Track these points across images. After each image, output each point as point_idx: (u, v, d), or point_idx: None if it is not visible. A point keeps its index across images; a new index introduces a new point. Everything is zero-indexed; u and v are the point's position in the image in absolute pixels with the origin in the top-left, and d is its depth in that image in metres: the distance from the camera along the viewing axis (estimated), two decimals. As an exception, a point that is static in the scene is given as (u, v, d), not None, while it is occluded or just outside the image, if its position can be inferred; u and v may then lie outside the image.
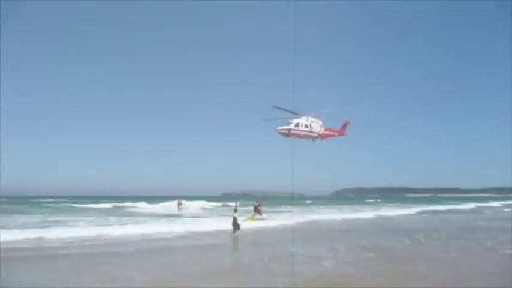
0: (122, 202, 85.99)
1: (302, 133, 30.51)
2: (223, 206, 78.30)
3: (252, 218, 36.74)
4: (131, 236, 25.20)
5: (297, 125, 30.65)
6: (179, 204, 63.78)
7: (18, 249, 19.50)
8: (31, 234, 23.88)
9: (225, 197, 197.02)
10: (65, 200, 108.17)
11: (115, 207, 71.90)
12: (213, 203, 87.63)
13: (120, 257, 18.04)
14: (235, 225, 26.69)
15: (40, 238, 22.90)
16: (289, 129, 30.09)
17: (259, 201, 40.34)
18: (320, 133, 31.61)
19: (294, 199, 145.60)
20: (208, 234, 27.36)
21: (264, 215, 38.65)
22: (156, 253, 19.46)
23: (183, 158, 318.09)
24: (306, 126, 30.78)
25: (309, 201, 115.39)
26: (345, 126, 33.88)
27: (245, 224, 30.81)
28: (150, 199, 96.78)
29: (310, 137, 31.34)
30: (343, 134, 34.14)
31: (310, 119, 31.19)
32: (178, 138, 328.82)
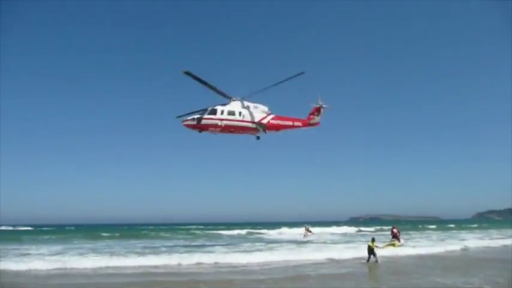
0: (255, 228, 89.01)
1: (224, 123, 20.84)
2: (357, 232, 75.33)
3: (393, 245, 33.65)
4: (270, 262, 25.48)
5: (213, 112, 21.00)
6: (307, 230, 60.27)
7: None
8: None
9: (352, 222, 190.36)
10: (201, 226, 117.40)
11: (248, 233, 75.00)
12: (344, 228, 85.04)
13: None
14: (371, 253, 24.75)
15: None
16: (200, 119, 20.67)
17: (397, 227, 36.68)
18: (262, 122, 21.74)
19: (431, 223, 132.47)
20: (345, 261, 26.19)
21: (402, 241, 35.43)
22: (295, 280, 19.21)
23: (311, 184, 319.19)
24: (233, 113, 21.09)
25: (452, 225, 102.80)
26: (315, 112, 24.16)
27: (383, 252, 28.40)
28: (273, 225, 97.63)
29: (242, 129, 21.66)
30: (313, 124, 23.85)
31: (247, 103, 21.78)
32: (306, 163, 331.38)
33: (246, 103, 22.00)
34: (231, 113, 21.17)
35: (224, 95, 21.43)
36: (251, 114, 21.26)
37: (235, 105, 21.88)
